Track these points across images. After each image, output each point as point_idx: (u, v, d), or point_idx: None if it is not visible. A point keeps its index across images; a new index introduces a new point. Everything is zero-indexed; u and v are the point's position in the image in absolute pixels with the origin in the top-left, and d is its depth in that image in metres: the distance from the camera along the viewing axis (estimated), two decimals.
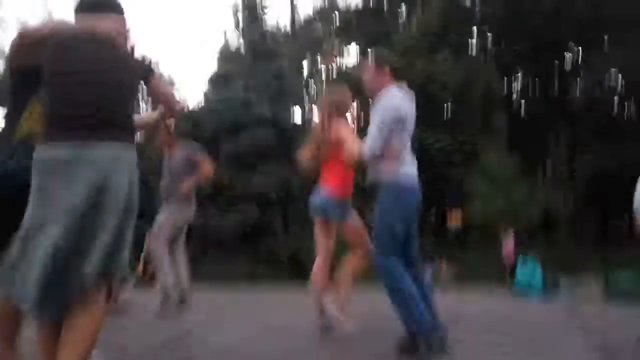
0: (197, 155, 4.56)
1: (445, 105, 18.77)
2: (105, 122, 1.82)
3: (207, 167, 4.54)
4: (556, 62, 21.51)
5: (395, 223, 2.78)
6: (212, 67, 15.00)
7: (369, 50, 22.63)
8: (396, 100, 2.85)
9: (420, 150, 16.74)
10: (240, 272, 10.96)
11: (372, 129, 2.83)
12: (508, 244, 7.43)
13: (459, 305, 4.96)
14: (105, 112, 1.84)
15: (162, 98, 2.18)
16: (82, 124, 1.80)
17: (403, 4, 23.18)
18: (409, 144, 2.92)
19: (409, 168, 2.90)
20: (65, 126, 1.80)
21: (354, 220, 3.35)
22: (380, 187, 2.87)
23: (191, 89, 52.77)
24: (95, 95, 1.84)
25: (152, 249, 4.44)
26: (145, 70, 2.02)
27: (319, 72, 26.50)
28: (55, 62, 1.85)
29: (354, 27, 23.92)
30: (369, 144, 2.83)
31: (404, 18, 22.81)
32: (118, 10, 2.01)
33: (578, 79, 21.76)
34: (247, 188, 11.68)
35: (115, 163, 1.80)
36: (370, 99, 3.10)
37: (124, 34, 2.00)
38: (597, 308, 4.81)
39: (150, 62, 2.62)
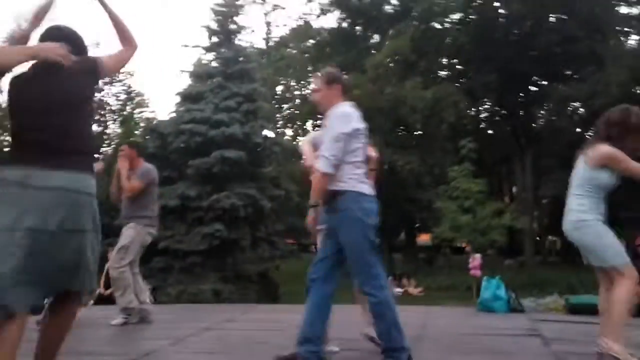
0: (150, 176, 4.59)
1: (414, 129, 19.17)
2: (55, 148, 1.96)
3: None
4: (521, 94, 22.35)
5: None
6: (183, 84, 14.98)
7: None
8: (348, 110, 2.89)
9: (391, 172, 17.02)
10: (206, 290, 10.75)
11: (326, 139, 2.82)
12: (474, 260, 7.56)
13: (425, 321, 4.98)
14: (55, 137, 1.97)
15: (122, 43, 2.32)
16: (33, 149, 1.94)
17: (375, 30, 23.77)
18: (363, 159, 2.90)
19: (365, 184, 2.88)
20: (19, 150, 1.97)
21: None
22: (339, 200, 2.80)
23: (162, 106, 52.44)
24: (43, 121, 1.97)
25: (116, 267, 4.34)
26: (91, 69, 2.13)
27: (291, 94, 26.73)
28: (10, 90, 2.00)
29: (326, 51, 24.31)
30: (326, 154, 2.79)
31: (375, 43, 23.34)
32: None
33: (541, 109, 22.61)
34: (215, 205, 11.56)
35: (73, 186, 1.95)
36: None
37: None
38: (560, 324, 4.90)
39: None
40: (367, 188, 2.86)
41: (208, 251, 11.29)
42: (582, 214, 2.97)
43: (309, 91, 25.14)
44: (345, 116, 2.84)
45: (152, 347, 3.64)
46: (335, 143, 2.77)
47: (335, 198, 2.80)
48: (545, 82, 22.08)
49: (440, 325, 4.84)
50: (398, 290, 14.44)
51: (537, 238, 22.26)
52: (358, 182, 2.81)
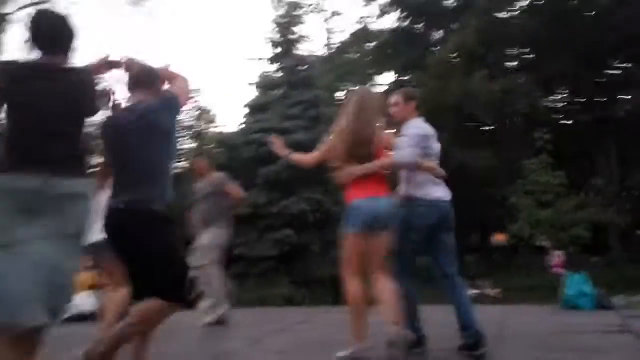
0: (227, 185, 4.85)
1: (485, 124, 18.48)
2: (43, 155, 2.00)
3: (237, 192, 4.85)
4: (600, 79, 20.87)
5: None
6: (250, 96, 15.46)
7: (404, 74, 22.77)
8: (422, 124, 3.31)
9: (461, 170, 16.49)
10: (279, 295, 10.95)
11: (402, 142, 3.17)
12: (557, 258, 7.12)
13: (503, 320, 4.76)
14: (43, 145, 2.00)
15: None
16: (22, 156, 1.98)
17: (437, 27, 23.24)
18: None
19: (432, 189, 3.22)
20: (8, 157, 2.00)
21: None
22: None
23: (231, 119, 54.63)
24: (36, 129, 2.01)
25: (206, 271, 4.55)
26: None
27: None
28: (5, 94, 2.03)
29: (387, 53, 24.10)
30: (401, 153, 3.12)
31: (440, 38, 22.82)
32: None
33: (624, 94, 20.99)
34: (284, 212, 11.78)
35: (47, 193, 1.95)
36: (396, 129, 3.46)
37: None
38: None
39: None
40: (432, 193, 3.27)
41: (279, 257, 11.51)
42: None
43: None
44: (419, 125, 3.28)
45: (231, 348, 3.78)
46: (410, 141, 3.13)
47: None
48: (628, 65, 20.45)
49: (521, 324, 4.61)
50: (474, 292, 13.94)
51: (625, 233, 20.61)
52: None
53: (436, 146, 3.34)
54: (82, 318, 5.52)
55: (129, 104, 2.54)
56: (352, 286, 3.07)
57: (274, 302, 10.53)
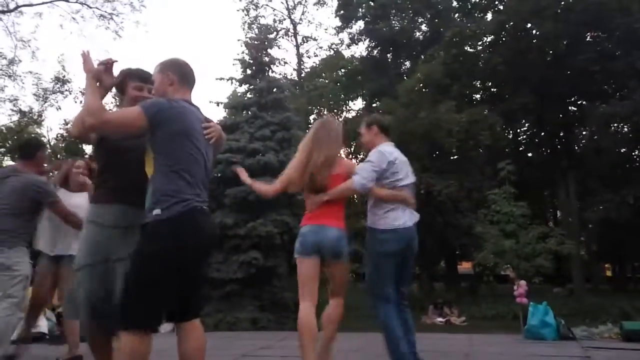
0: None
1: (451, 153, 18.90)
2: None
3: None
4: (560, 114, 21.78)
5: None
6: (218, 116, 15.28)
7: (373, 101, 23.17)
8: (387, 148, 3.33)
9: (429, 196, 16.70)
10: (244, 319, 10.68)
11: (360, 168, 3.26)
12: (520, 287, 7.22)
13: (469, 349, 4.75)
14: None
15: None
16: None
17: (406, 57, 23.87)
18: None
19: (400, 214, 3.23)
20: None
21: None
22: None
23: None
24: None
25: None
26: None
27: None
28: None
29: (357, 79, 24.53)
30: (360, 177, 3.18)
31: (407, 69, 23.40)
32: None
33: (583, 129, 21.91)
34: (252, 233, 11.59)
35: None
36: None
37: None
38: (614, 352, 4.58)
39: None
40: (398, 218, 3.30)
41: (245, 279, 11.27)
42: None
43: (341, 119, 25.34)
44: (383, 149, 3.26)
45: None
46: (371, 167, 3.17)
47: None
48: (584, 102, 21.45)
49: (486, 353, 4.61)
50: (440, 319, 13.98)
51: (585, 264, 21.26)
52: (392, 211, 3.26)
53: (406, 171, 3.33)
54: (38, 339, 5.23)
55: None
56: (301, 311, 3.10)
57: (238, 326, 10.27)
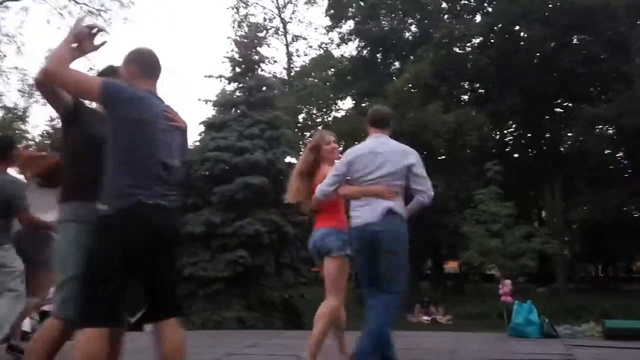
0: None
1: (438, 153, 19.02)
2: None
3: None
4: (546, 116, 22.05)
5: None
6: (207, 114, 15.18)
7: (362, 101, 23.24)
8: (353, 147, 3.33)
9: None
10: (230, 317, 10.66)
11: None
12: (505, 286, 7.31)
13: (454, 346, 4.80)
14: None
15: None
16: None
17: (395, 57, 23.97)
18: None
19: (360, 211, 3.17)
20: None
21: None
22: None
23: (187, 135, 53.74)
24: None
25: None
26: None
27: (313, 122, 26.95)
28: None
29: (347, 79, 24.57)
30: (321, 184, 3.21)
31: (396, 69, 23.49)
32: None
33: (568, 130, 22.21)
34: (239, 232, 11.56)
35: None
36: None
37: None
38: (596, 350, 4.66)
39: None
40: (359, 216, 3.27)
41: (232, 278, 11.25)
42: None
43: (330, 119, 25.38)
44: (346, 154, 3.27)
45: None
46: (330, 176, 3.23)
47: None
48: (570, 104, 21.74)
49: (470, 351, 4.66)
50: (426, 318, 14.09)
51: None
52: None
53: (378, 163, 3.15)
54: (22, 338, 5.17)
55: None
56: (320, 307, 3.30)
57: (224, 325, 10.24)
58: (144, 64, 2.38)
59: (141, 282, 2.22)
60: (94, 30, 2.32)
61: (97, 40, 2.35)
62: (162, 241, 2.22)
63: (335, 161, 3.41)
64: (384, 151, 3.17)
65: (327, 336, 3.29)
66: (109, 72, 2.57)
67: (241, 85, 14.57)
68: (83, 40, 2.28)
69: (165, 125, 2.30)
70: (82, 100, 2.46)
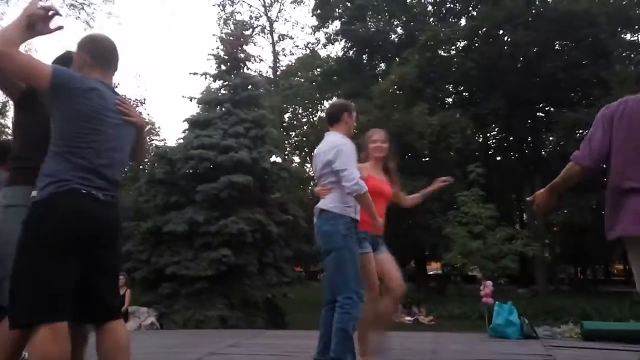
0: None
1: (422, 155, 19.16)
2: None
3: None
4: (529, 120, 22.36)
5: None
6: (191, 111, 15.04)
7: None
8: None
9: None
10: (213, 317, 10.59)
11: None
12: (486, 287, 7.40)
13: (436, 347, 4.84)
14: None
15: None
16: None
17: (381, 59, 24.06)
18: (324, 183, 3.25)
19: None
20: None
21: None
22: None
23: (170, 133, 53.33)
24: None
25: None
26: None
27: (299, 121, 26.94)
28: None
29: (333, 80, 24.59)
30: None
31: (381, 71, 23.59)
32: None
33: (549, 135, 22.54)
34: (223, 231, 11.48)
35: None
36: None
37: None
38: (574, 350, 4.74)
39: None
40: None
41: (215, 277, 11.17)
42: None
43: (316, 119, 25.37)
44: None
45: None
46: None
47: None
48: (552, 108, 22.07)
49: (452, 351, 4.70)
50: (408, 319, 14.17)
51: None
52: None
53: (315, 164, 3.28)
54: None
55: None
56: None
57: (206, 324, 10.17)
58: (98, 52, 2.25)
59: (76, 279, 2.04)
60: (51, 13, 2.18)
61: (52, 24, 2.21)
62: (98, 236, 2.09)
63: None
64: (319, 151, 3.27)
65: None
66: (67, 58, 2.44)
67: (226, 83, 14.48)
68: (37, 21, 2.14)
69: (117, 119, 2.19)
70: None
